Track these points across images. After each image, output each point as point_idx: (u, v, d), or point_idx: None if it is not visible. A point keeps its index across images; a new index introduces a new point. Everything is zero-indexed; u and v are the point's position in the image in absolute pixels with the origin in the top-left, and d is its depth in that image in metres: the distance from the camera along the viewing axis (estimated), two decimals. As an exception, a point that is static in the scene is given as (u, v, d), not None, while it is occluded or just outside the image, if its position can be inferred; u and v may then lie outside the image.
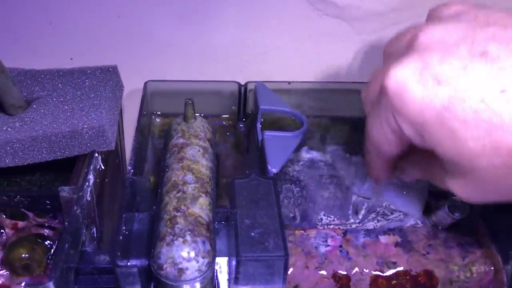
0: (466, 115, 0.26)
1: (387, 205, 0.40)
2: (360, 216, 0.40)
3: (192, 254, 0.30)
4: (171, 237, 0.30)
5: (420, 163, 0.34)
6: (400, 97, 0.28)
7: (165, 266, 0.30)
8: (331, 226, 0.39)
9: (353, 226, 0.39)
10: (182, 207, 0.32)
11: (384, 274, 0.36)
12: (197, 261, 0.30)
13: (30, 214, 0.36)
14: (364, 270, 0.36)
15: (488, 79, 0.26)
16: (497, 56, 0.26)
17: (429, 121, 0.27)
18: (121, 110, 0.45)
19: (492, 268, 0.36)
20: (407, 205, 0.40)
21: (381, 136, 0.31)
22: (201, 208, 0.33)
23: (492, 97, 0.25)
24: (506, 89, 0.25)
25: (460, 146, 0.26)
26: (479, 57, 0.26)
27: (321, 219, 0.40)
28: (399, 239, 0.38)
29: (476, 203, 0.31)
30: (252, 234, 0.31)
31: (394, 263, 0.36)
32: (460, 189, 0.29)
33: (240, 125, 0.50)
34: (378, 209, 0.40)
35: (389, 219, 0.40)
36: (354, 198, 0.41)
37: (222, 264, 0.34)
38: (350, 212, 0.40)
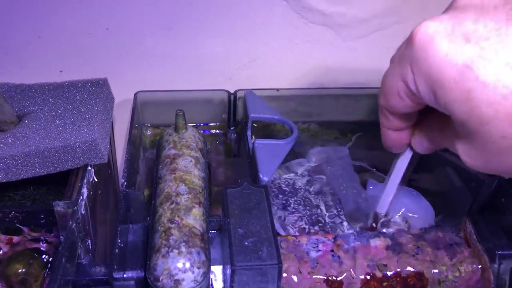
0: (487, 77, 0.25)
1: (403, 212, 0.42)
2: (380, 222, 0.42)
3: (188, 265, 0.30)
4: (166, 248, 0.31)
5: (432, 131, 0.33)
6: (424, 49, 0.27)
7: (161, 277, 0.30)
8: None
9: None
10: (176, 218, 0.33)
11: (376, 277, 0.36)
12: (193, 272, 0.30)
13: (25, 229, 0.36)
14: (356, 273, 0.36)
15: None
16: None
17: (447, 77, 0.26)
18: (112, 121, 0.45)
19: (480, 267, 0.37)
20: (421, 209, 0.42)
21: (393, 88, 0.30)
22: (194, 218, 0.33)
23: None
24: None
25: (473, 108, 0.26)
26: None
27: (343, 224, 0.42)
28: (389, 242, 0.38)
29: (478, 171, 0.29)
30: (246, 243, 0.32)
31: (385, 265, 0.37)
32: (465, 153, 0.29)
33: (231, 133, 0.51)
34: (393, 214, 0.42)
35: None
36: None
37: (217, 272, 0.35)
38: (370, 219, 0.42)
